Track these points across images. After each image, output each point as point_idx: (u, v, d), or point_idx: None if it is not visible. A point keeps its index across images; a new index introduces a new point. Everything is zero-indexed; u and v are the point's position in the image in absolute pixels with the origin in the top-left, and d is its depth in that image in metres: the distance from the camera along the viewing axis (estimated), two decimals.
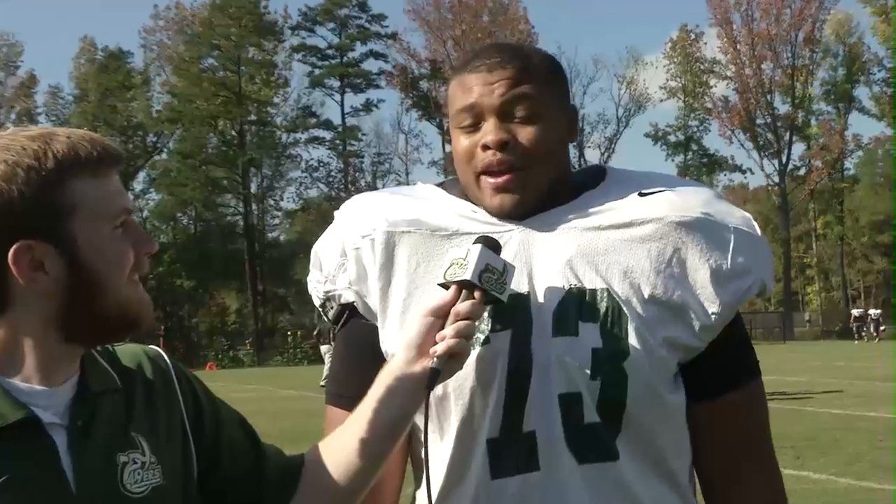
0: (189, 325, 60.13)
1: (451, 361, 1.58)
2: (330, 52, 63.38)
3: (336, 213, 1.88)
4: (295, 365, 44.48)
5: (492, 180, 1.71)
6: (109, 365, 1.54)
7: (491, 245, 1.64)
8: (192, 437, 1.58)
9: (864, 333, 48.76)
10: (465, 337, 1.58)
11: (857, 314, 51.06)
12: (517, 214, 1.73)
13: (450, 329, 1.58)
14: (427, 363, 1.58)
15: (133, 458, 1.45)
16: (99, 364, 1.52)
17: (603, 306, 1.67)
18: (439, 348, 1.57)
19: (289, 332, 52.64)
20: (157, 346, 1.68)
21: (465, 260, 1.62)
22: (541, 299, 1.68)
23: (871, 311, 51.39)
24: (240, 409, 1.72)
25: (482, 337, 1.67)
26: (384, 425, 1.62)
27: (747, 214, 1.79)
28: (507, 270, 1.63)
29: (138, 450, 1.47)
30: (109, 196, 1.44)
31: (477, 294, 1.60)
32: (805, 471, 9.32)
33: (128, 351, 1.59)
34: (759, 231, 1.77)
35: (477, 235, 1.69)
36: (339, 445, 1.65)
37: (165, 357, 1.63)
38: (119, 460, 1.44)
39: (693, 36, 65.02)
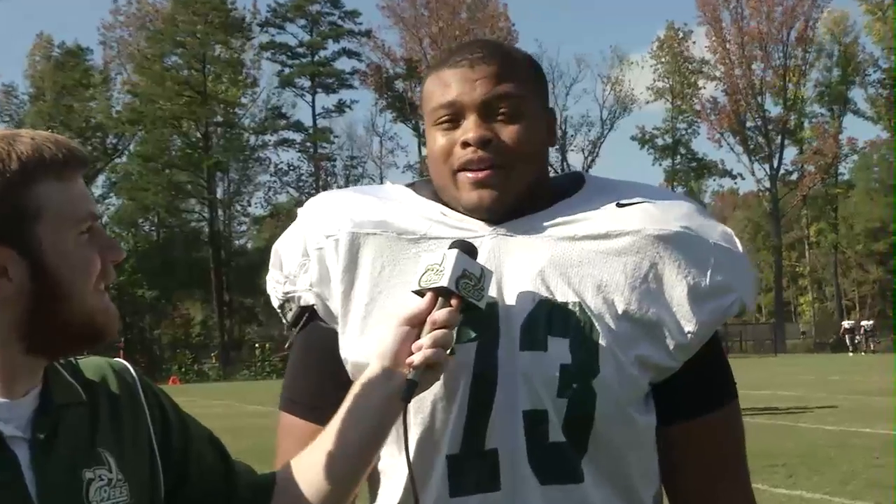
0: (151, 337, 59.79)
1: (428, 372, 1.58)
2: (300, 50, 63.32)
3: (299, 210, 1.89)
4: (263, 379, 44.24)
5: (471, 175, 1.72)
6: (73, 377, 1.53)
7: (467, 249, 1.64)
8: (159, 453, 1.57)
9: (857, 345, 49.03)
10: (442, 346, 1.58)
11: (847, 326, 51.34)
12: (494, 212, 1.73)
13: (426, 338, 1.58)
14: (403, 374, 1.58)
15: (99, 474, 1.45)
16: (62, 376, 1.52)
17: (574, 321, 1.67)
18: (416, 359, 1.57)
19: (256, 345, 52.37)
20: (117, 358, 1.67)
21: (440, 266, 1.62)
22: (509, 310, 1.68)
23: (864, 323, 51.66)
24: (205, 425, 1.72)
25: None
26: (358, 440, 1.62)
27: (729, 230, 1.80)
28: (484, 276, 1.63)
29: (104, 466, 1.47)
30: (75, 200, 1.44)
31: (454, 301, 1.61)
32: (798, 490, 9.33)
33: (92, 363, 1.59)
34: (740, 247, 1.79)
35: (445, 240, 1.70)
36: (312, 463, 1.64)
37: (132, 370, 1.63)
38: (84, 476, 1.44)
39: (681, 34, 65.30)
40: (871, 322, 52.32)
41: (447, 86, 1.74)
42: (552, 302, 1.68)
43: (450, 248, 1.65)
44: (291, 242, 1.84)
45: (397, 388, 1.58)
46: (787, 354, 51.38)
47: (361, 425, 1.62)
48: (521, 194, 1.73)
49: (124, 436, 1.54)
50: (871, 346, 48.98)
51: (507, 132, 1.71)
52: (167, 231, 62.36)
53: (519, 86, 1.74)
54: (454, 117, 1.74)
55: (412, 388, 1.57)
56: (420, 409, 1.67)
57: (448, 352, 1.61)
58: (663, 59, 65.16)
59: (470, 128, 1.71)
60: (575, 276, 1.70)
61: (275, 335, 52.35)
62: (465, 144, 1.71)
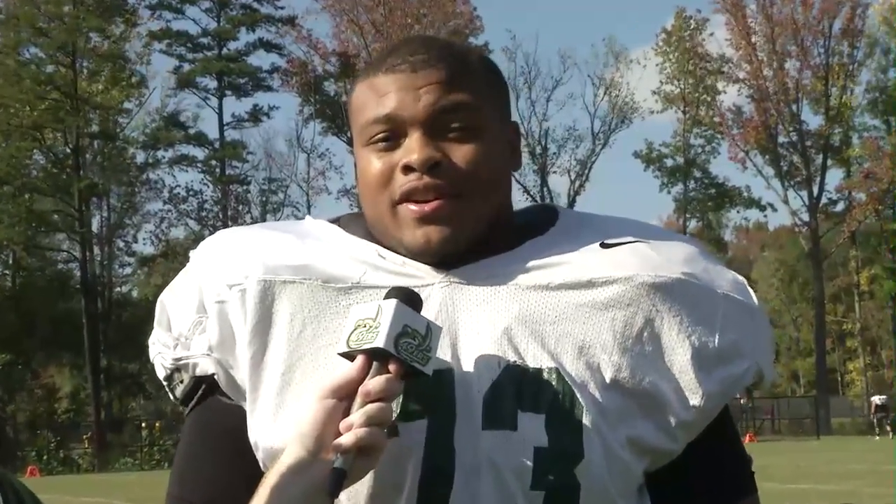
0: (2, 414, 59.16)
1: (361, 458, 1.57)
2: (204, 40, 63.32)
3: (192, 253, 1.89)
4: (151, 469, 43.91)
5: (415, 207, 1.72)
6: None
7: (408, 299, 1.64)
8: None
9: (887, 427, 49.56)
10: (378, 424, 1.57)
11: (879, 402, 51.77)
12: (446, 254, 1.74)
13: (358, 415, 1.56)
14: (329, 461, 1.57)
15: None
16: None
17: (550, 392, 1.67)
18: (345, 441, 1.55)
19: (143, 424, 52.02)
20: None
21: (374, 320, 1.61)
22: (468, 379, 1.68)
23: None
24: None
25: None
26: None
27: (741, 278, 1.83)
28: (430, 333, 1.63)
29: None
30: None
31: (392, 366, 1.59)
32: None
33: None
34: (755, 300, 1.82)
35: (384, 289, 1.69)
36: None
37: None
38: None
39: (693, 24, 65.61)
40: None
41: (383, 95, 1.76)
42: (522, 368, 1.69)
43: (386, 297, 1.65)
44: (183, 294, 1.84)
45: (321, 478, 1.57)
46: (832, 437, 51.63)
47: None
48: (478, 232, 1.74)
49: None
50: None
51: (461, 153, 1.73)
52: (25, 275, 61.89)
53: (474, 94, 1.75)
54: (392, 135, 1.75)
55: (340, 479, 1.55)
56: None
57: (387, 430, 1.61)
58: (672, 57, 65.43)
59: (414, 148, 1.72)
60: (550, 335, 1.71)
61: (167, 411, 51.98)
62: (408, 169, 1.72)
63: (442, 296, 1.74)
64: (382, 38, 56.30)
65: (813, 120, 63.68)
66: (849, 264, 71.22)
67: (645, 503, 1.75)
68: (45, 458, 47.04)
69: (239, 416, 1.76)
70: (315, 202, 62.25)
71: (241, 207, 62.09)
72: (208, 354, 1.78)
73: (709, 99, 64.98)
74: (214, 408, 1.80)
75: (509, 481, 1.64)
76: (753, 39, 62.34)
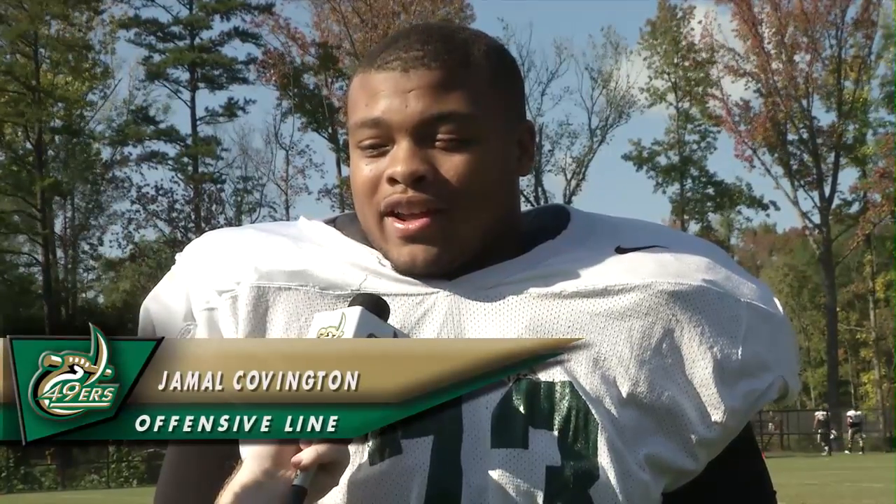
0: None
1: (323, 475, 1.56)
2: (175, 29, 63.14)
3: (179, 256, 1.89)
4: (119, 487, 43.80)
5: (400, 225, 1.73)
6: None
7: (375, 306, 1.65)
8: None
9: (832, 441, 49.96)
10: None
11: (821, 418, 52.04)
12: (435, 274, 1.75)
13: None
14: (288, 478, 1.57)
15: None
16: None
17: (563, 408, 1.69)
18: (305, 457, 1.55)
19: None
20: None
21: (338, 329, 1.62)
22: (475, 395, 1.67)
23: (850, 413, 52.64)
24: None
25: (373, 440, 1.66)
26: None
27: (765, 286, 1.83)
28: None
29: None
30: None
31: None
32: None
33: None
34: (781, 309, 1.82)
35: (388, 296, 1.70)
36: None
37: None
38: None
39: (680, 13, 65.26)
40: (858, 413, 53.10)
41: (373, 96, 1.75)
42: (533, 382, 1.70)
43: (350, 304, 1.65)
44: (169, 300, 1.84)
45: (280, 497, 1.56)
46: (844, 454, 51.57)
47: None
48: (472, 248, 1.75)
49: None
50: (860, 442, 49.74)
51: (450, 164, 1.73)
52: None
53: (472, 98, 1.74)
54: (380, 141, 1.75)
55: (300, 498, 1.55)
56: None
57: (386, 450, 1.61)
58: (659, 49, 65.10)
59: (399, 158, 1.72)
60: None
61: None
62: (392, 181, 1.73)
63: (448, 304, 1.75)
64: (366, 27, 56.09)
65: (825, 117, 63.45)
66: (863, 269, 71.02)
67: None
68: (4, 475, 46.81)
69: None
70: (294, 202, 62.08)
71: (214, 207, 61.72)
72: None
73: (701, 91, 64.55)
74: None
75: (521, 503, 1.65)
76: (760, 30, 62.14)
